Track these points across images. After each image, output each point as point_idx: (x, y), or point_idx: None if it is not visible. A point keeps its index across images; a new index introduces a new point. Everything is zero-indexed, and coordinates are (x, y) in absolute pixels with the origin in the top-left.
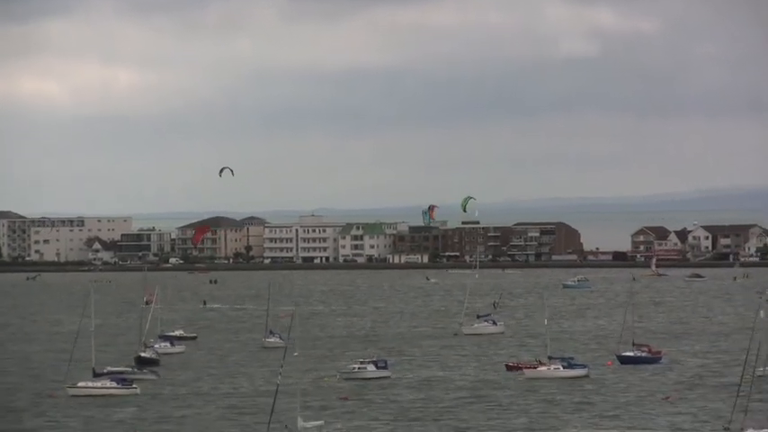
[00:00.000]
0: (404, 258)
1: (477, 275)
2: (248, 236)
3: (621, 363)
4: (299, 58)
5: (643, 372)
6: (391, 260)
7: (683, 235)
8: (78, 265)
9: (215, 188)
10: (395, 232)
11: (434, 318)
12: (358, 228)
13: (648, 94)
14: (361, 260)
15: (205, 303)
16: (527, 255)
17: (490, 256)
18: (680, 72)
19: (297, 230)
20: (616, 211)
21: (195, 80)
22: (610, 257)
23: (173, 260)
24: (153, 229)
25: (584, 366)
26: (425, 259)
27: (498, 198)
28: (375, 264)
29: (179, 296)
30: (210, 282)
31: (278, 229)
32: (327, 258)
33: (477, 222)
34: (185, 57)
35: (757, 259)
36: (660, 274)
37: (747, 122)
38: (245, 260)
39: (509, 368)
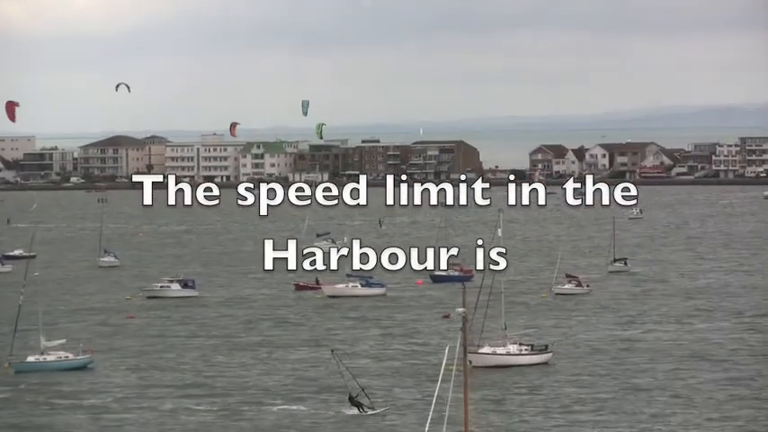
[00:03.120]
0: (304, 177)
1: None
2: (150, 155)
3: (433, 281)
4: None
5: (447, 290)
6: (291, 179)
7: (580, 153)
8: None
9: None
10: (295, 151)
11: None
12: (259, 146)
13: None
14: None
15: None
16: (426, 173)
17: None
18: None
19: (198, 149)
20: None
21: None
22: (508, 175)
23: (74, 179)
24: (55, 148)
25: (381, 285)
26: (325, 177)
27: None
28: (275, 182)
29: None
30: (99, 201)
31: (179, 148)
32: (228, 177)
33: (378, 141)
34: None
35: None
36: (548, 192)
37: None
38: None
39: (298, 287)
